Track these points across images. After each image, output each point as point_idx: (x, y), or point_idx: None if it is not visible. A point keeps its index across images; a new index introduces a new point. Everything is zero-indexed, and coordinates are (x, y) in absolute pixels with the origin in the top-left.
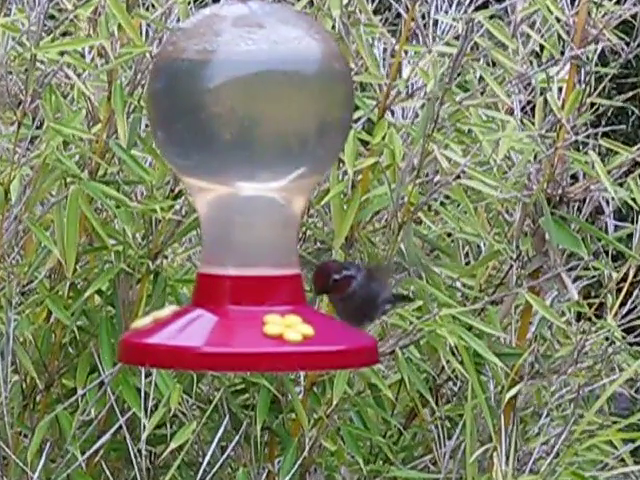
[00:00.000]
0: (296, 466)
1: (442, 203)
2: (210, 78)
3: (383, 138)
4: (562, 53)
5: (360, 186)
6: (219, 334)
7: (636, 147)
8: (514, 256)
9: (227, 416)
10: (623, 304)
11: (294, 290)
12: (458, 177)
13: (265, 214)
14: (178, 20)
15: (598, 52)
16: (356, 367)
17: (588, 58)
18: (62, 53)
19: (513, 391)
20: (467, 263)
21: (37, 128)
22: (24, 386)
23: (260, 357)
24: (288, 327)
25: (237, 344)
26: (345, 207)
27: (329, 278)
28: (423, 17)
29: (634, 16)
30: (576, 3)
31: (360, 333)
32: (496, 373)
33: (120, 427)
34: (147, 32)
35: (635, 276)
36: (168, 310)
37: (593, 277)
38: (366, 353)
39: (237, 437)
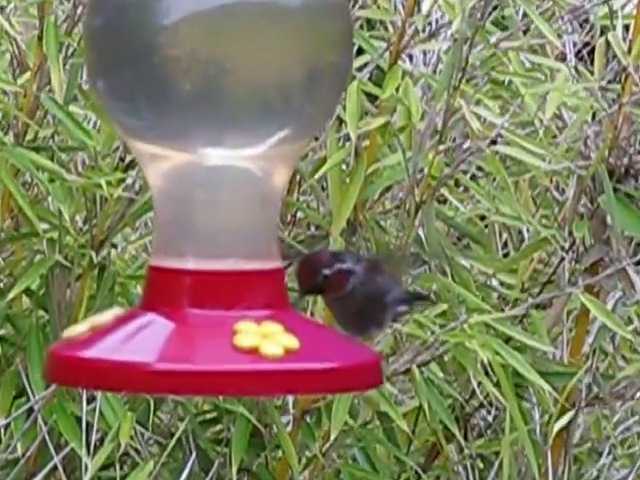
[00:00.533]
0: None
1: (473, 177)
2: (166, 11)
3: (396, 91)
4: None
5: (366, 154)
6: (176, 346)
7: None
8: (566, 245)
9: (194, 454)
10: None
11: (274, 289)
12: (493, 142)
13: (237, 190)
14: None
15: None
16: (353, 390)
17: None
18: None
19: (563, 421)
20: (505, 255)
21: None
22: None
23: (229, 377)
24: (266, 338)
25: (199, 360)
26: (347, 182)
27: (317, 274)
28: None
29: None
30: None
31: (359, 346)
32: (542, 398)
33: (55, 467)
34: None
35: None
36: (110, 314)
37: None
38: (366, 372)
39: None
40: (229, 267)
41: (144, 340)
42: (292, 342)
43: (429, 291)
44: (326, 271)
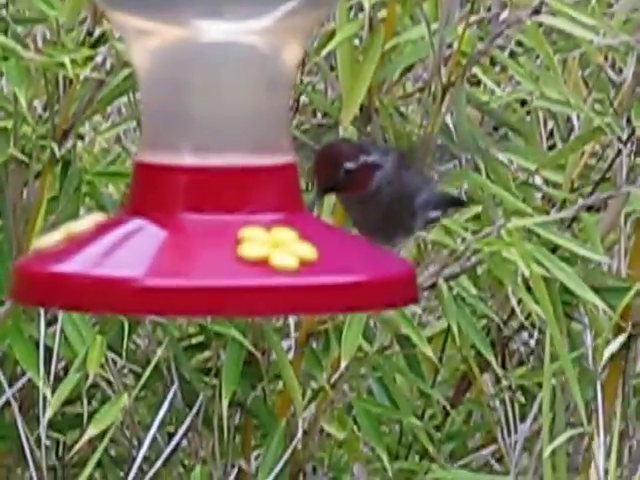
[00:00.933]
0: (282, 463)
1: (511, 53)
2: None
3: None
4: None
5: (383, 27)
6: (170, 258)
7: None
8: (624, 136)
9: (176, 385)
10: None
11: (286, 189)
12: (536, 12)
13: (240, 71)
14: None
15: None
16: (385, 307)
17: None
18: None
19: (616, 344)
20: (551, 147)
21: None
22: None
23: (233, 294)
24: (276, 246)
25: (197, 273)
26: (359, 60)
27: (339, 167)
28: None
29: None
30: None
31: (388, 256)
32: (595, 318)
33: (8, 403)
34: None
35: None
36: (88, 221)
37: None
38: (399, 286)
39: (192, 418)
40: (232, 162)
41: (131, 251)
42: (309, 251)
43: (459, 190)
44: (349, 164)
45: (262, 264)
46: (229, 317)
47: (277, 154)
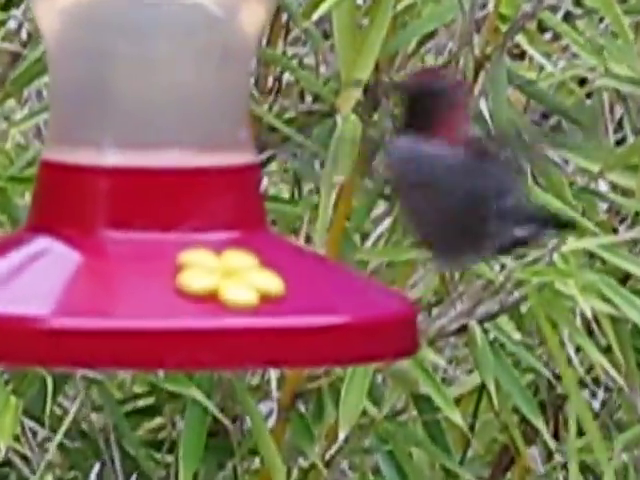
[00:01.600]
0: None
1: (567, 16)
2: None
3: None
4: None
5: None
6: (85, 290)
7: None
8: None
9: (117, 463)
10: None
11: (243, 199)
12: None
13: (182, 39)
14: None
15: None
16: (371, 360)
17: None
18: None
19: None
20: (620, 142)
21: None
22: None
23: (170, 339)
24: (229, 276)
25: (123, 311)
26: (363, 25)
27: (438, 80)
28: None
29: None
30: None
31: (380, 290)
32: None
33: None
34: None
35: None
36: None
37: None
38: (392, 330)
39: None
40: (171, 162)
41: (34, 281)
42: (272, 283)
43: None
44: (452, 91)
45: (210, 299)
46: (169, 370)
47: (232, 152)
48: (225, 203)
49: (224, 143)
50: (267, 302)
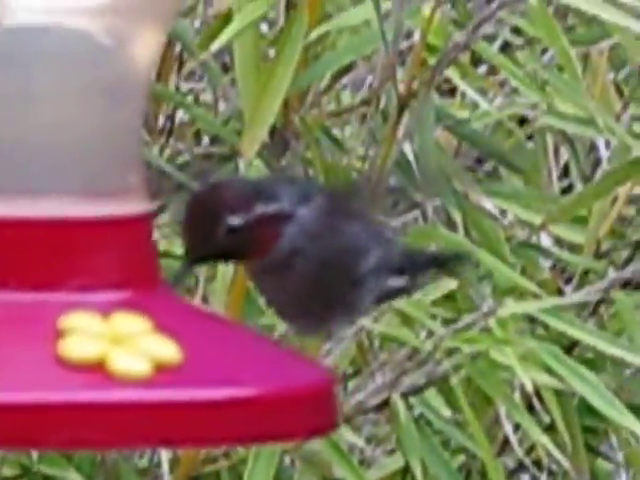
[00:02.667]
0: None
1: (506, 47)
2: None
3: None
4: None
5: (307, 7)
6: None
7: None
8: None
9: None
10: None
11: (134, 254)
12: None
13: (63, 71)
14: None
15: None
16: (279, 439)
17: None
18: None
19: None
20: (566, 190)
21: None
22: None
23: (52, 415)
24: (118, 343)
25: None
26: (270, 56)
27: (218, 224)
28: None
29: None
30: None
31: (292, 358)
32: (635, 454)
33: None
34: None
35: None
36: None
37: None
38: (304, 405)
39: None
40: (50, 212)
41: None
42: (168, 351)
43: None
44: (235, 220)
45: (96, 369)
46: (47, 449)
47: (121, 200)
48: (113, 259)
49: (112, 190)
50: (162, 372)
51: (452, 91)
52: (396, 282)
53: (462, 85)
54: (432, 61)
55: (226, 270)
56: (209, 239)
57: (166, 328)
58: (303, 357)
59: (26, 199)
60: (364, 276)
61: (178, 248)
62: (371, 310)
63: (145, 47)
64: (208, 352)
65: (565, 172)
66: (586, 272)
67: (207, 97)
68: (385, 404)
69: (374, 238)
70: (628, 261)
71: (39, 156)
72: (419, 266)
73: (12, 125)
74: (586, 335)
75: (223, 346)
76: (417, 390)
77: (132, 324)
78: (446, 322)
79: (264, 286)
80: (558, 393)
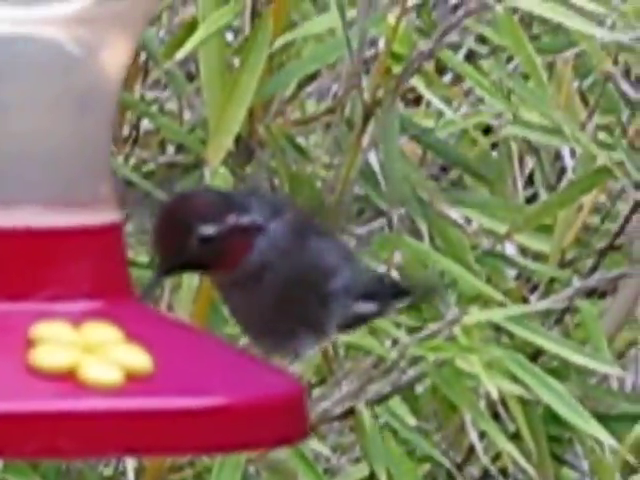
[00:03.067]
0: None
1: (470, 56)
2: None
3: None
4: None
5: (272, 14)
6: None
7: None
8: None
9: None
10: None
11: (104, 264)
12: None
13: (32, 81)
14: None
15: None
16: (250, 447)
17: None
18: None
19: None
20: (530, 199)
21: None
22: None
23: (22, 424)
24: (89, 352)
25: None
26: (235, 65)
27: (190, 234)
28: None
29: None
30: None
31: (260, 367)
32: (599, 462)
33: None
34: None
35: None
36: None
37: None
38: (274, 413)
39: None
40: (19, 221)
41: None
42: (139, 360)
43: (387, 265)
44: (207, 229)
45: (67, 378)
46: (14, 458)
47: (91, 210)
48: (84, 268)
49: (82, 199)
50: (132, 381)
51: (417, 100)
52: (366, 307)
53: (427, 94)
54: (397, 70)
55: (191, 279)
56: (180, 249)
57: (137, 337)
58: (272, 366)
59: None
60: (332, 295)
61: (143, 257)
62: (340, 332)
63: (115, 56)
64: (179, 361)
65: (530, 181)
66: (551, 281)
67: (172, 106)
68: (350, 412)
69: (344, 258)
70: (593, 270)
71: (10, 166)
72: (389, 292)
73: None
74: (551, 343)
75: (194, 355)
76: (382, 398)
77: (103, 333)
78: (411, 330)
79: (231, 300)
80: (523, 401)
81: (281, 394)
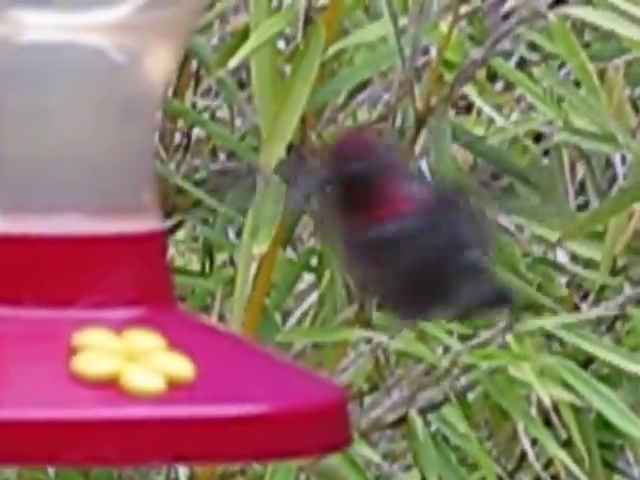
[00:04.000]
0: None
1: (522, 63)
2: None
3: None
4: None
5: (324, 23)
6: None
7: None
8: None
9: None
10: None
11: (147, 271)
12: (560, 1)
13: (75, 88)
14: None
15: None
16: (293, 455)
17: None
18: None
19: None
20: (582, 206)
21: None
22: None
23: (66, 431)
24: (132, 359)
25: (8, 399)
26: (287, 74)
27: (366, 158)
28: None
29: None
30: None
31: (304, 374)
32: None
33: None
34: None
35: None
36: None
37: None
38: (317, 421)
39: None
40: (62, 229)
41: None
42: (182, 367)
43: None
44: (387, 157)
45: (110, 385)
46: (62, 467)
47: (134, 217)
48: (126, 276)
49: (125, 207)
50: (176, 389)
51: (468, 108)
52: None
53: (479, 101)
54: (449, 77)
55: (244, 288)
56: (351, 165)
57: (179, 345)
58: (316, 374)
59: (40, 216)
60: (468, 268)
61: (193, 265)
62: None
63: (159, 64)
64: (221, 369)
65: (581, 188)
66: (602, 288)
67: (223, 114)
68: (402, 420)
69: (479, 238)
70: None
71: (53, 173)
72: (505, 297)
73: (26, 142)
74: (603, 351)
75: (236, 363)
76: (434, 406)
77: (146, 341)
78: (462, 338)
79: (360, 262)
80: (575, 409)
81: (323, 402)
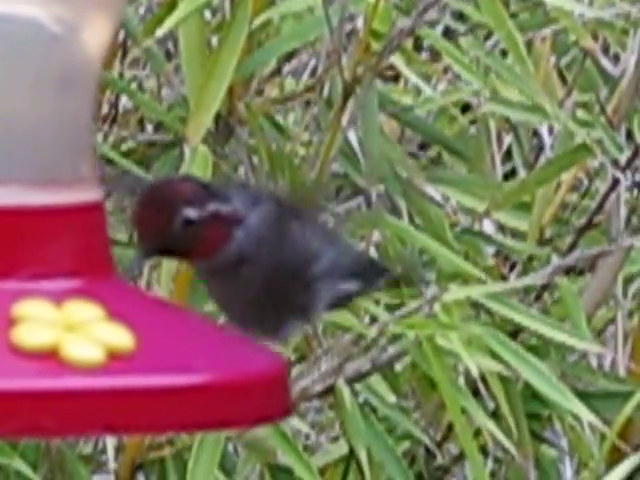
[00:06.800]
0: None
1: (448, 33)
2: None
3: None
4: None
5: None
6: None
7: None
8: (622, 159)
9: None
10: None
11: (86, 242)
12: None
13: (13, 59)
14: None
15: None
16: (233, 425)
17: None
18: None
19: (616, 476)
20: (509, 176)
21: None
22: None
23: (5, 402)
24: (71, 330)
25: None
26: (214, 43)
27: (174, 216)
28: None
29: None
30: None
31: (243, 344)
32: (579, 439)
33: None
34: None
35: None
36: None
37: None
38: (257, 391)
39: None
40: (1, 200)
41: None
42: (121, 338)
43: (366, 242)
44: (190, 213)
45: (49, 357)
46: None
47: (73, 188)
48: (65, 247)
49: (64, 178)
50: (115, 359)
51: (395, 77)
52: (350, 286)
53: (406, 71)
54: (376, 47)
55: (169, 266)
56: (163, 231)
57: (119, 315)
58: (253, 343)
59: None
60: (316, 279)
61: (122, 235)
62: (323, 313)
63: (95, 35)
64: (160, 339)
65: (508, 158)
66: (530, 258)
67: (151, 84)
68: (330, 390)
69: (326, 240)
70: (571, 247)
71: None
72: (372, 271)
73: None
74: (530, 321)
75: (175, 333)
76: (362, 376)
77: (85, 311)
78: (390, 308)
79: (213, 289)
80: (503, 379)
81: (262, 371)
